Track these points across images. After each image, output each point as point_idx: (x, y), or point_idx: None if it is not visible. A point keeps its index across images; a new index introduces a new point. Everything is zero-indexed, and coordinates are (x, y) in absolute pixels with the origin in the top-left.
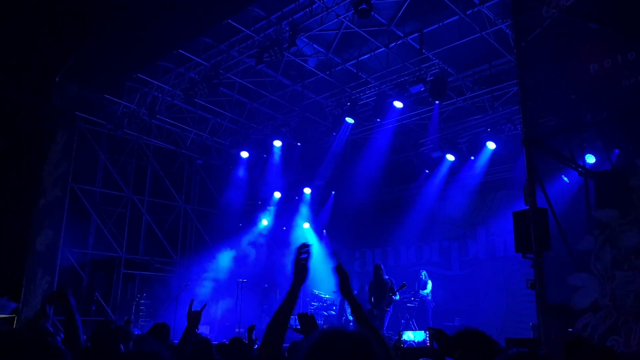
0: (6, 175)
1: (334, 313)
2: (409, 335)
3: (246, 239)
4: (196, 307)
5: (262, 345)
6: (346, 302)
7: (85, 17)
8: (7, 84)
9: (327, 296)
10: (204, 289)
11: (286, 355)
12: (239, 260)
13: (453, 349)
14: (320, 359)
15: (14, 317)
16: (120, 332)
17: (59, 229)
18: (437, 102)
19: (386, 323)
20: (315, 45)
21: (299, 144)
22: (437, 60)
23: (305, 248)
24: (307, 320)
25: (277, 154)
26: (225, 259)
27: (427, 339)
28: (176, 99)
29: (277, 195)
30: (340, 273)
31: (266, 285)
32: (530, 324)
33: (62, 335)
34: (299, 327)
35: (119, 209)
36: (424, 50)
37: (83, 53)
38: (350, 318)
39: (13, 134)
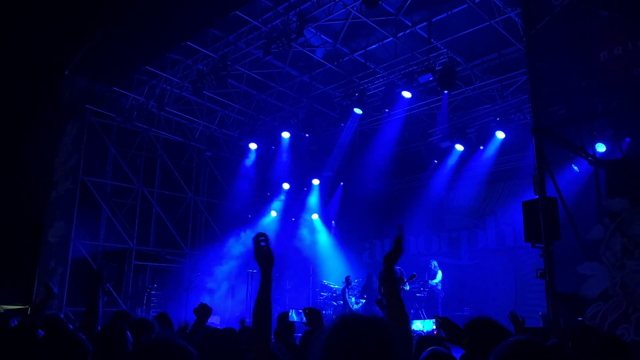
0: (18, 168)
1: (342, 303)
2: (418, 325)
3: (255, 230)
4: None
5: (253, 332)
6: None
7: (94, 11)
8: (17, 77)
9: (336, 286)
10: (214, 279)
11: (297, 343)
12: (249, 251)
13: (461, 337)
14: (339, 343)
15: (27, 307)
16: (143, 325)
17: (71, 221)
18: (445, 91)
19: None
20: (322, 36)
21: (307, 135)
22: (445, 50)
23: (262, 237)
24: (313, 313)
25: (285, 146)
26: (235, 249)
27: (435, 328)
28: (184, 91)
29: (286, 186)
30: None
31: (277, 274)
32: (540, 313)
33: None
34: (305, 320)
35: (129, 201)
36: (432, 40)
37: (92, 46)
38: (356, 307)
39: (24, 127)
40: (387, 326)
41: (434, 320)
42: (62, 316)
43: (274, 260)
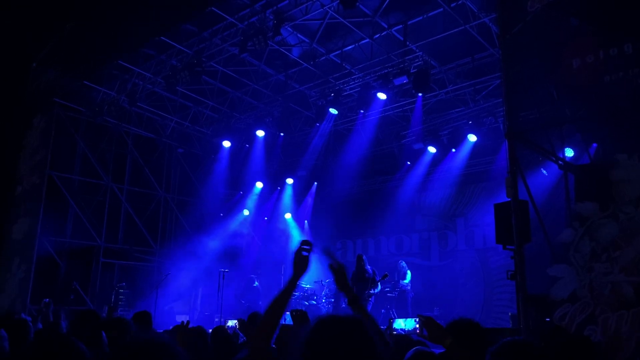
0: None
1: (314, 303)
2: (400, 323)
3: (227, 229)
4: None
5: (257, 331)
6: (342, 293)
7: (65, 2)
8: None
9: (307, 286)
10: (184, 278)
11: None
12: (220, 250)
13: (444, 337)
14: (319, 344)
15: None
16: (118, 324)
17: (37, 217)
18: (420, 94)
19: None
20: (299, 35)
21: (281, 134)
22: (420, 53)
23: (307, 245)
24: (300, 316)
25: (259, 144)
26: (206, 248)
27: (417, 326)
28: (157, 87)
29: (259, 185)
30: (335, 269)
31: (252, 275)
32: (510, 313)
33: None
34: (291, 323)
35: (97, 197)
36: (407, 42)
37: (62, 38)
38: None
39: None
40: (364, 323)
41: (416, 318)
42: (24, 315)
43: (308, 270)
